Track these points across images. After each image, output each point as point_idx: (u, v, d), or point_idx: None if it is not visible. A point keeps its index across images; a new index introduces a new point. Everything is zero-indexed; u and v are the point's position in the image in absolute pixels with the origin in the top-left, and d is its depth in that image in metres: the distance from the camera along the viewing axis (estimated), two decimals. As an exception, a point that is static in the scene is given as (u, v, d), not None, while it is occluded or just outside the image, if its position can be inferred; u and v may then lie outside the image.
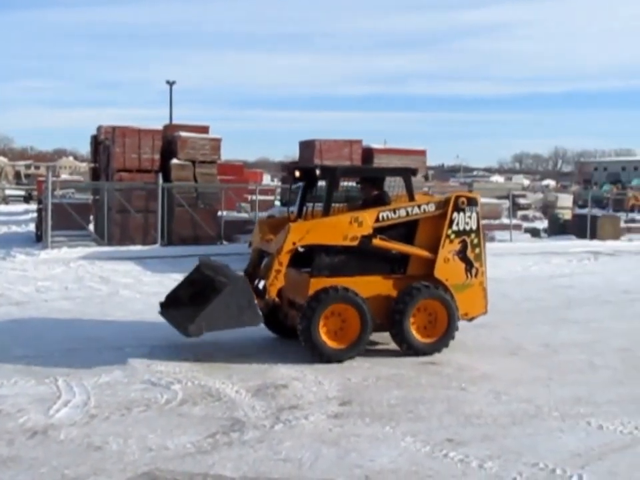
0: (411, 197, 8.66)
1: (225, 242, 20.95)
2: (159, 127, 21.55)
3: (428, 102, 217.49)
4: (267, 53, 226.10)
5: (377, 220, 8.21)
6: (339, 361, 7.84)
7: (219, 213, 21.47)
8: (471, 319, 8.83)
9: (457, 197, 8.56)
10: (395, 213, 8.31)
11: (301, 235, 8.01)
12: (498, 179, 73.15)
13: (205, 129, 21.86)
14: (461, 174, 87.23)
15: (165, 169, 20.46)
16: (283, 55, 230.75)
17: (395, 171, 9.91)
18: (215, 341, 8.56)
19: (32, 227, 26.76)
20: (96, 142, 23.43)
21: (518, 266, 17.06)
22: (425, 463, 5.20)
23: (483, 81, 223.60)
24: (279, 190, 27.54)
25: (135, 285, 13.59)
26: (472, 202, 8.59)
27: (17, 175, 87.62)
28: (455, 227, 8.45)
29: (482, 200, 8.70)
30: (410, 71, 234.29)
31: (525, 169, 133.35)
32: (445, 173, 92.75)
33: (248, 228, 21.69)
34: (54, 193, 20.38)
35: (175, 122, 28.23)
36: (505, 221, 24.96)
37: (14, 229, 28.28)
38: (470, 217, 8.51)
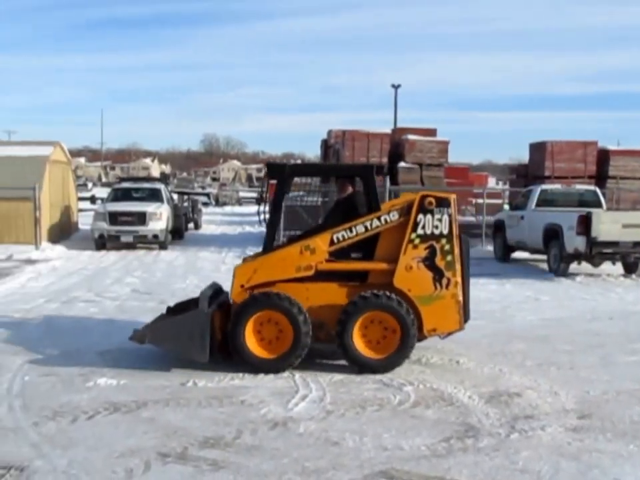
0: (375, 202, 7.70)
1: (450, 245, 20.83)
2: (388, 130, 21.88)
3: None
4: (489, 52, 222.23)
5: (332, 243, 7.51)
6: (273, 372, 7.32)
7: (444, 216, 21.41)
8: (443, 336, 7.93)
9: (423, 197, 7.48)
10: (351, 231, 7.49)
11: (247, 276, 7.59)
12: None
13: (432, 132, 21.92)
14: None
15: (392, 171, 20.76)
16: (506, 54, 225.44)
17: (353, 169, 8.89)
18: (443, 342, 8.52)
19: (264, 227, 28.25)
20: (326, 145, 24.27)
21: None
22: (677, 488, 4.83)
23: None
24: (507, 193, 26.97)
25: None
26: (442, 203, 7.45)
27: (249, 177, 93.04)
28: (420, 231, 7.41)
29: None
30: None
31: None
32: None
33: (474, 232, 21.44)
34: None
35: (399, 125, 28.51)
36: None
37: (247, 229, 30.01)
38: (440, 220, 7.41)
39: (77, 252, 19.94)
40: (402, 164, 20.72)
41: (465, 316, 7.71)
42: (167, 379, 7.12)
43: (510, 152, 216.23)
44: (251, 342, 7.39)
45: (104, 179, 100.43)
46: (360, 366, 7.41)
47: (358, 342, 7.38)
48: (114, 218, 20.44)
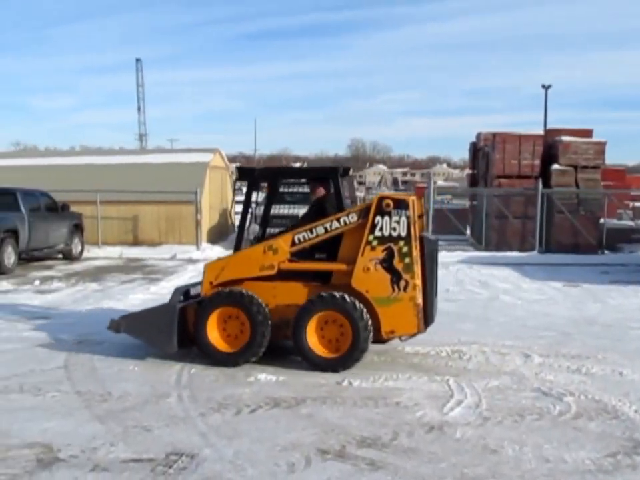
0: (340, 204, 7.85)
1: (606, 251, 20.07)
2: (540, 132, 21.33)
3: None
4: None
5: (293, 244, 7.72)
6: (230, 365, 7.62)
7: (601, 221, 20.59)
8: (404, 339, 8.07)
9: (380, 199, 7.47)
10: (312, 232, 7.66)
11: (215, 273, 7.94)
12: None
13: (587, 133, 21.13)
14: None
15: (544, 174, 20.20)
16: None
17: (320, 171, 8.93)
18: (605, 353, 8.21)
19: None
20: (475, 149, 23.91)
21: None
22: None
23: None
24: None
25: (515, 291, 13.61)
26: (400, 205, 7.42)
27: (395, 181, 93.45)
28: (377, 233, 7.42)
29: None
30: None
31: None
32: None
33: (633, 237, 20.51)
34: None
35: (550, 126, 27.67)
36: None
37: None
38: (398, 222, 7.39)
39: (233, 252, 20.68)
40: (555, 166, 20.08)
41: (427, 319, 7.69)
42: (323, 377, 7.28)
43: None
44: (213, 335, 7.73)
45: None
46: (311, 363, 7.58)
47: (311, 340, 7.53)
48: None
